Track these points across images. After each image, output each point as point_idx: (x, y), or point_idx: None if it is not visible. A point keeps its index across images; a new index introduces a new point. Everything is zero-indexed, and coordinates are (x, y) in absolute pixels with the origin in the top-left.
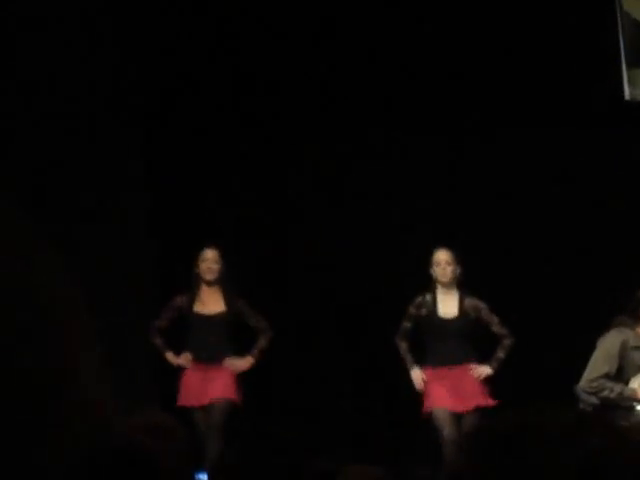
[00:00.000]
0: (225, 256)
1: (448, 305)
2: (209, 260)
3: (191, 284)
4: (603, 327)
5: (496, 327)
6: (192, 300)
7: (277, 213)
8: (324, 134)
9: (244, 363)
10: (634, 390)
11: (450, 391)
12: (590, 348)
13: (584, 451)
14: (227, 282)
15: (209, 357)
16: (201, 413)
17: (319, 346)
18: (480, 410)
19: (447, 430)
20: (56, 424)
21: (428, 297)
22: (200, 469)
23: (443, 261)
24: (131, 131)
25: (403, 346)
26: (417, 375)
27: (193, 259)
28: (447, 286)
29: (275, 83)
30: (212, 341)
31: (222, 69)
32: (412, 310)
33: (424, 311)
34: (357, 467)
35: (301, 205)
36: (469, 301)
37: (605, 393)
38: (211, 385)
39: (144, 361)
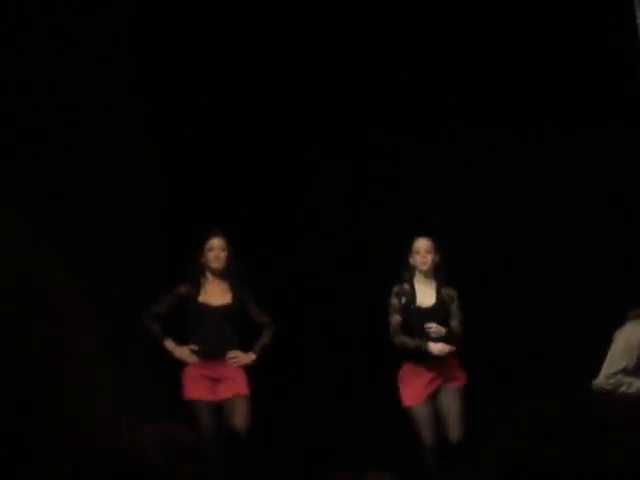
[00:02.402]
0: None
1: (426, 294)
2: (216, 248)
3: (195, 274)
4: (616, 320)
5: (454, 323)
6: (197, 290)
7: (287, 215)
8: (329, 134)
9: (246, 358)
10: None
11: (427, 382)
12: (601, 341)
13: None
14: (235, 273)
15: (213, 351)
16: (210, 409)
17: (329, 345)
18: (455, 390)
19: (425, 433)
20: (57, 439)
21: (406, 286)
22: None
23: (423, 249)
24: (140, 129)
25: (405, 339)
26: (433, 346)
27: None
28: (425, 274)
29: (279, 84)
30: (216, 334)
31: (227, 76)
32: (395, 301)
33: (403, 300)
34: (375, 474)
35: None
36: (446, 290)
37: (623, 389)
38: (221, 384)
39: (149, 358)
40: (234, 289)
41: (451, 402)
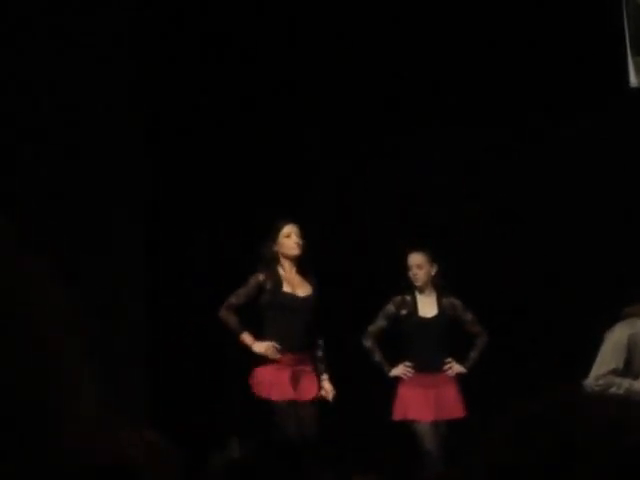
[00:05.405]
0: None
1: (427, 305)
2: (294, 234)
3: (269, 263)
4: (607, 320)
5: (469, 325)
6: (277, 279)
7: (287, 215)
8: (329, 134)
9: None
10: None
11: (428, 400)
12: (593, 342)
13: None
14: (308, 261)
15: (297, 345)
16: (290, 408)
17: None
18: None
19: (428, 442)
20: (36, 437)
21: (408, 298)
22: None
23: (414, 265)
24: (133, 131)
25: (372, 348)
26: (398, 369)
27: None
28: (422, 288)
29: (279, 84)
30: (302, 327)
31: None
32: (391, 308)
33: (404, 311)
34: (360, 477)
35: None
36: (447, 300)
37: (613, 390)
38: (301, 383)
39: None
40: (310, 278)
41: (442, 434)
